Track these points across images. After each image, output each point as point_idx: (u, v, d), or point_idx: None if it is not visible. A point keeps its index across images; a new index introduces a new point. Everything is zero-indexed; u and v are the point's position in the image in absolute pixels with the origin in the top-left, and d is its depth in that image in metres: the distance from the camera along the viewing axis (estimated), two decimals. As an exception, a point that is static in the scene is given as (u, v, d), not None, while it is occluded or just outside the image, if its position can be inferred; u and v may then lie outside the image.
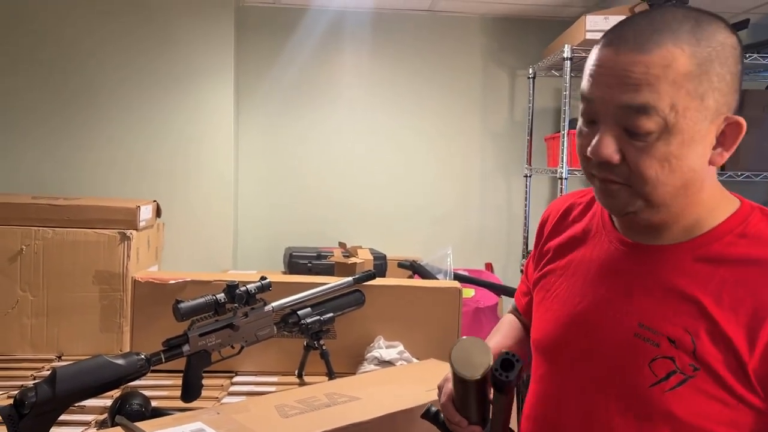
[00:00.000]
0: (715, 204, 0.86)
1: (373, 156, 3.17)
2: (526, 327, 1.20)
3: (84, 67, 2.97)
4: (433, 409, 1.04)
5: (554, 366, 0.96)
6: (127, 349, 2.22)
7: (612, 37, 0.83)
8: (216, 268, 2.92)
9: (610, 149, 0.81)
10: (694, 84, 0.78)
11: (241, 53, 3.17)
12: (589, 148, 0.83)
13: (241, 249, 3.22)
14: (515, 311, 1.25)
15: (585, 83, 0.86)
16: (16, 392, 1.77)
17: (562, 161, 2.73)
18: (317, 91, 3.28)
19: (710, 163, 0.83)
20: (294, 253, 2.78)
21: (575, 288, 0.95)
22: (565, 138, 2.73)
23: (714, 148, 0.83)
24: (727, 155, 0.84)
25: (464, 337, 0.88)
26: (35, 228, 2.23)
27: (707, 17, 0.81)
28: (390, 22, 3.29)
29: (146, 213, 2.41)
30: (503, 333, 1.18)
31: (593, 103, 0.83)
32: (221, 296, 1.61)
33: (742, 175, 2.86)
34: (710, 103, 0.79)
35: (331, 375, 1.80)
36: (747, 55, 2.76)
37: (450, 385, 0.96)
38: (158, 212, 2.62)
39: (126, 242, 2.23)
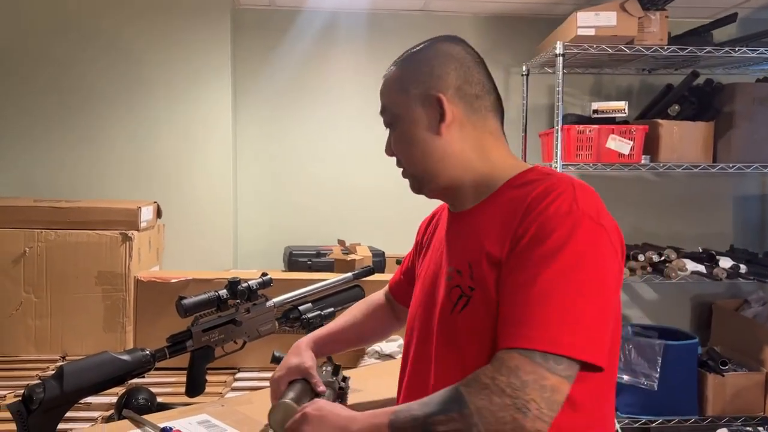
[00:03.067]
0: (488, 169, 1.06)
1: (369, 154, 3.20)
2: (388, 302, 1.43)
3: (83, 71, 2.99)
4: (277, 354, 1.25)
5: (411, 332, 1.16)
6: (131, 348, 2.25)
7: None
8: (216, 268, 2.95)
9: (387, 145, 1.11)
10: (398, 83, 1.08)
11: (238, 55, 3.20)
12: None
13: (241, 249, 3.24)
14: (387, 292, 1.44)
15: None
16: (23, 391, 1.81)
17: (556, 156, 2.76)
18: (314, 91, 3.31)
19: (437, 133, 1.04)
20: (294, 252, 2.81)
21: (426, 263, 1.17)
22: (559, 133, 2.77)
23: (440, 123, 1.04)
24: (447, 123, 1.04)
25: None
26: (38, 230, 2.26)
27: (426, 42, 1.10)
28: (384, 22, 3.32)
29: (147, 214, 2.44)
30: (345, 319, 1.44)
31: None
32: (223, 292, 1.63)
33: (733, 166, 2.89)
34: (414, 91, 1.05)
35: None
36: (736, 49, 2.80)
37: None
38: (159, 213, 2.66)
39: (128, 243, 2.26)
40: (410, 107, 1.06)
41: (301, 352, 1.32)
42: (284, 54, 3.27)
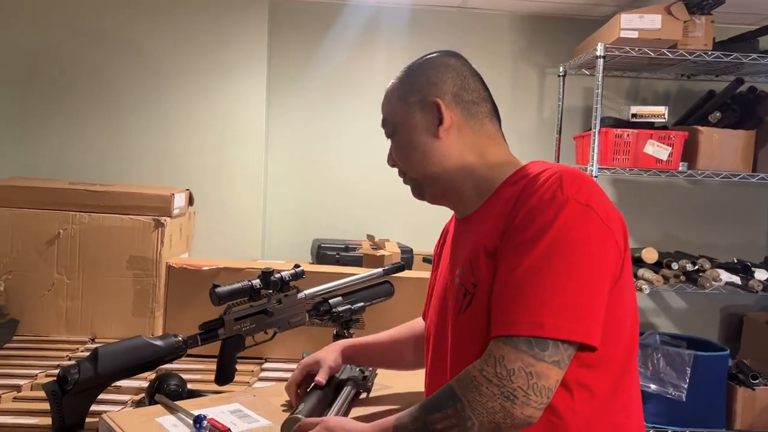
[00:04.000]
0: (485, 171, 1.08)
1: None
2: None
3: (122, 61, 3.01)
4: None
5: (428, 340, 1.17)
6: (159, 333, 2.26)
7: None
8: (244, 258, 2.96)
9: (389, 155, 1.16)
10: (397, 93, 1.11)
11: (274, 47, 3.20)
12: None
13: (268, 239, 3.25)
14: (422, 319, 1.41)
15: None
16: (55, 371, 1.83)
17: (593, 159, 2.72)
18: (348, 86, 3.30)
19: (436, 137, 1.07)
20: (322, 245, 2.81)
21: (439, 272, 1.19)
22: (596, 136, 2.73)
23: (438, 127, 1.07)
24: (445, 127, 1.07)
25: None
26: (73, 213, 2.28)
27: (429, 55, 1.14)
28: (421, 18, 3.30)
29: (180, 201, 2.45)
30: (389, 334, 1.42)
31: None
32: (257, 282, 1.63)
33: (756, 176, 2.84)
34: (413, 99, 1.09)
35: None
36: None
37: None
38: (191, 200, 2.67)
39: (160, 229, 2.27)
40: (409, 115, 1.09)
41: (330, 350, 1.34)
42: (320, 47, 3.26)
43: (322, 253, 2.76)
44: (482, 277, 0.98)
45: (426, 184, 1.11)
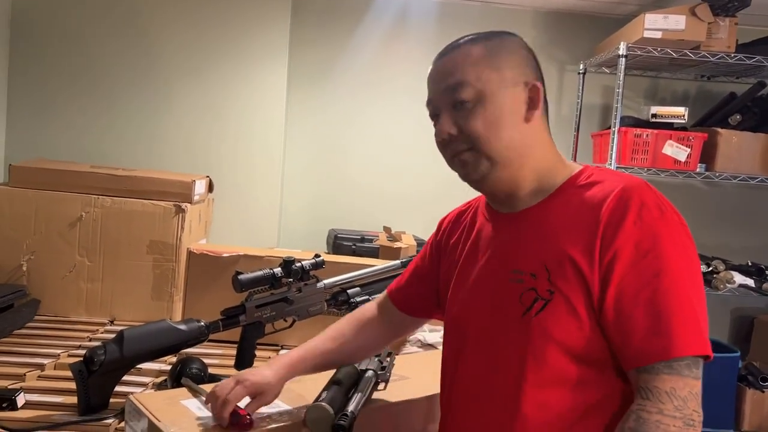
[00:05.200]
0: (551, 164, 1.05)
1: (419, 145, 3.20)
2: (383, 313, 1.34)
3: (144, 47, 3.03)
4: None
5: (464, 337, 1.10)
6: (178, 317, 2.30)
7: (433, 59, 1.10)
8: (261, 245, 2.98)
9: (447, 124, 1.03)
10: (487, 61, 1.02)
11: (296, 36, 3.21)
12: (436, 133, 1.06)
13: (285, 228, 3.28)
14: (385, 299, 1.35)
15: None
16: (76, 352, 1.86)
17: (611, 157, 2.73)
18: (369, 77, 3.31)
19: (525, 120, 1.03)
20: (339, 235, 2.83)
21: (471, 267, 1.12)
22: (616, 135, 2.73)
23: (527, 111, 1.03)
24: (536, 113, 1.03)
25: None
26: (95, 196, 2.31)
27: (498, 32, 1.08)
28: (443, 12, 3.29)
29: (200, 187, 2.48)
30: (330, 335, 1.33)
31: (429, 104, 1.08)
32: (278, 270, 1.66)
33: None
34: (507, 73, 1.02)
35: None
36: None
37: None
38: (210, 187, 2.69)
39: (180, 215, 2.30)
40: (503, 88, 1.01)
41: (275, 379, 1.21)
42: (343, 37, 3.27)
43: (338, 243, 2.78)
44: (564, 287, 0.95)
45: (500, 166, 1.02)
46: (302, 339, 2.07)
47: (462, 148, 1.03)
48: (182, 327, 1.51)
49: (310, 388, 1.33)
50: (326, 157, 3.31)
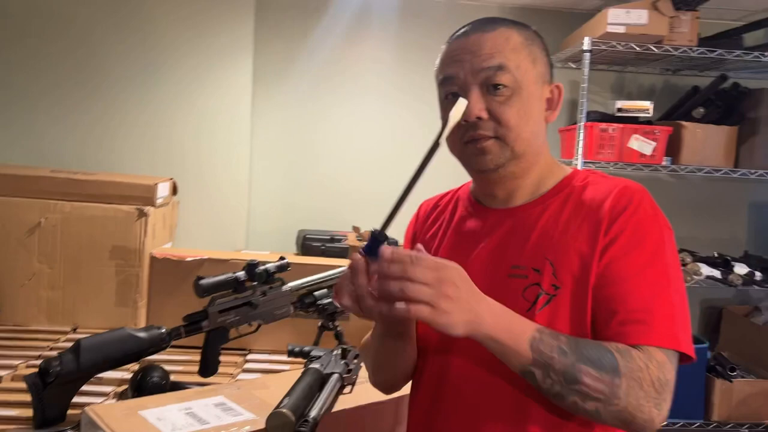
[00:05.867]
0: (551, 164, 1.07)
1: (387, 143, 3.18)
2: None
3: (104, 46, 2.96)
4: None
5: (453, 340, 0.97)
6: (142, 324, 2.25)
7: (457, 34, 1.04)
8: (228, 248, 2.94)
9: (479, 106, 0.98)
10: (527, 51, 1.00)
11: (260, 33, 3.16)
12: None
13: (253, 230, 3.23)
14: None
15: (440, 70, 1.04)
16: (36, 362, 1.81)
17: (578, 153, 2.73)
18: (335, 75, 3.28)
19: (546, 120, 1.04)
20: (307, 236, 2.80)
21: (457, 261, 0.98)
22: (582, 130, 2.74)
23: (546, 110, 1.04)
24: (555, 114, 1.05)
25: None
26: (54, 201, 2.25)
27: (524, 23, 1.05)
28: (409, 9, 3.28)
29: (163, 190, 2.43)
30: None
31: (453, 79, 1.01)
32: (241, 274, 1.63)
33: (755, 173, 2.86)
34: (540, 69, 1.02)
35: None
36: (766, 54, 2.76)
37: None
38: (175, 190, 2.64)
39: (143, 218, 2.25)
40: (534, 81, 1.01)
41: None
42: (308, 35, 3.24)
43: (307, 244, 2.75)
44: (569, 281, 0.95)
45: (514, 158, 1.00)
46: (270, 343, 2.06)
47: (487, 134, 0.99)
48: (142, 334, 1.47)
49: (275, 395, 1.31)
50: (294, 156, 3.27)
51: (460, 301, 0.82)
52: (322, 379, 1.31)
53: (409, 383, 1.15)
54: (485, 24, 1.02)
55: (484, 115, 0.98)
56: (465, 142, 1.01)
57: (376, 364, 1.13)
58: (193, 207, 2.96)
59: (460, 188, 1.19)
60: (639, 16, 2.55)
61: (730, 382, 2.82)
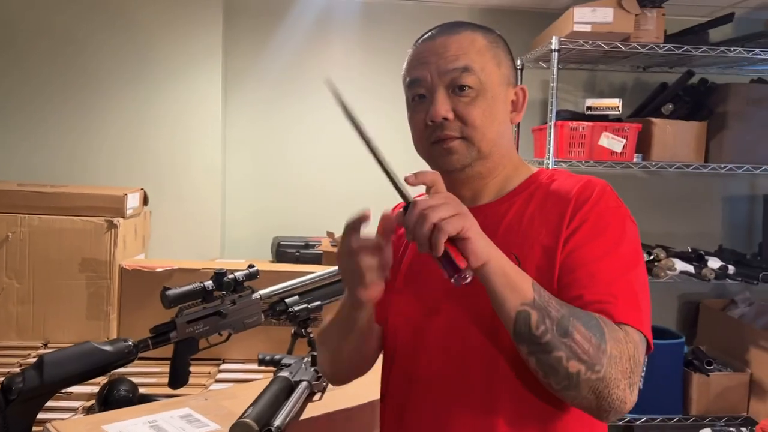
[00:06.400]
0: (517, 164, 1.09)
1: (360, 147, 3.18)
2: None
3: (72, 57, 2.94)
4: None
5: (422, 333, 1.03)
6: (114, 336, 2.22)
7: (423, 37, 1.06)
8: (203, 257, 2.92)
9: (445, 107, 1.00)
10: (492, 53, 1.03)
11: (229, 41, 3.16)
12: (428, 114, 1.01)
13: (228, 238, 3.21)
14: None
15: (407, 73, 1.06)
16: (2, 379, 1.78)
17: (549, 152, 2.74)
18: (306, 81, 3.27)
19: (511, 122, 1.06)
20: (282, 243, 2.79)
21: (420, 262, 1.07)
22: (552, 129, 2.75)
23: (511, 112, 1.06)
24: (520, 115, 1.07)
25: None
26: (21, 215, 2.22)
27: (487, 27, 1.07)
28: (378, 12, 3.29)
29: (133, 201, 2.40)
30: None
31: (419, 82, 1.02)
32: (209, 283, 1.61)
33: (725, 167, 2.89)
34: (504, 71, 1.04)
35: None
36: (732, 49, 2.79)
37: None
38: (145, 200, 2.62)
39: (113, 230, 2.23)
40: (499, 83, 1.03)
41: None
42: (277, 42, 3.23)
43: (281, 251, 2.74)
44: (534, 274, 0.93)
45: (481, 158, 1.02)
46: (243, 351, 2.04)
47: (453, 135, 1.01)
48: (107, 348, 1.45)
49: (242, 405, 1.29)
50: (267, 163, 3.26)
51: (481, 233, 0.88)
52: (290, 387, 1.30)
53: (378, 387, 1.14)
54: (451, 27, 1.04)
55: (450, 115, 1.00)
56: (432, 142, 1.03)
57: (335, 349, 1.10)
58: (167, 217, 2.94)
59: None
60: (605, 15, 2.57)
61: (707, 376, 2.84)
